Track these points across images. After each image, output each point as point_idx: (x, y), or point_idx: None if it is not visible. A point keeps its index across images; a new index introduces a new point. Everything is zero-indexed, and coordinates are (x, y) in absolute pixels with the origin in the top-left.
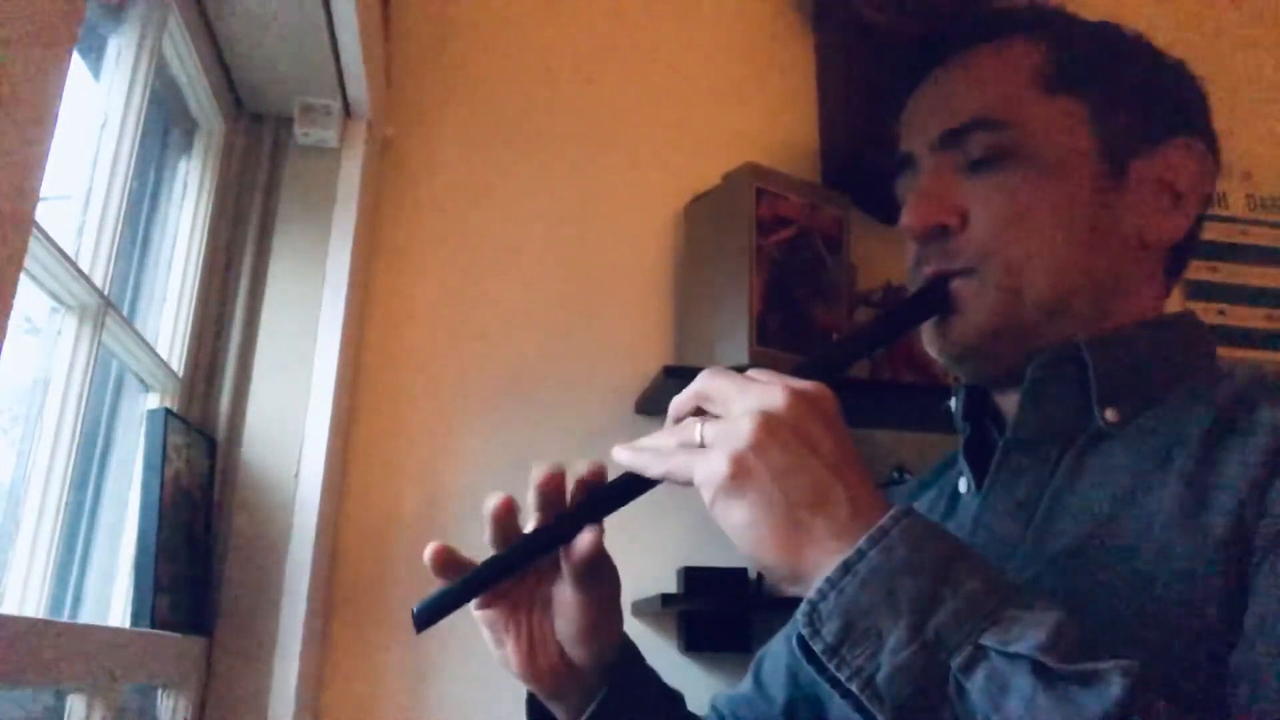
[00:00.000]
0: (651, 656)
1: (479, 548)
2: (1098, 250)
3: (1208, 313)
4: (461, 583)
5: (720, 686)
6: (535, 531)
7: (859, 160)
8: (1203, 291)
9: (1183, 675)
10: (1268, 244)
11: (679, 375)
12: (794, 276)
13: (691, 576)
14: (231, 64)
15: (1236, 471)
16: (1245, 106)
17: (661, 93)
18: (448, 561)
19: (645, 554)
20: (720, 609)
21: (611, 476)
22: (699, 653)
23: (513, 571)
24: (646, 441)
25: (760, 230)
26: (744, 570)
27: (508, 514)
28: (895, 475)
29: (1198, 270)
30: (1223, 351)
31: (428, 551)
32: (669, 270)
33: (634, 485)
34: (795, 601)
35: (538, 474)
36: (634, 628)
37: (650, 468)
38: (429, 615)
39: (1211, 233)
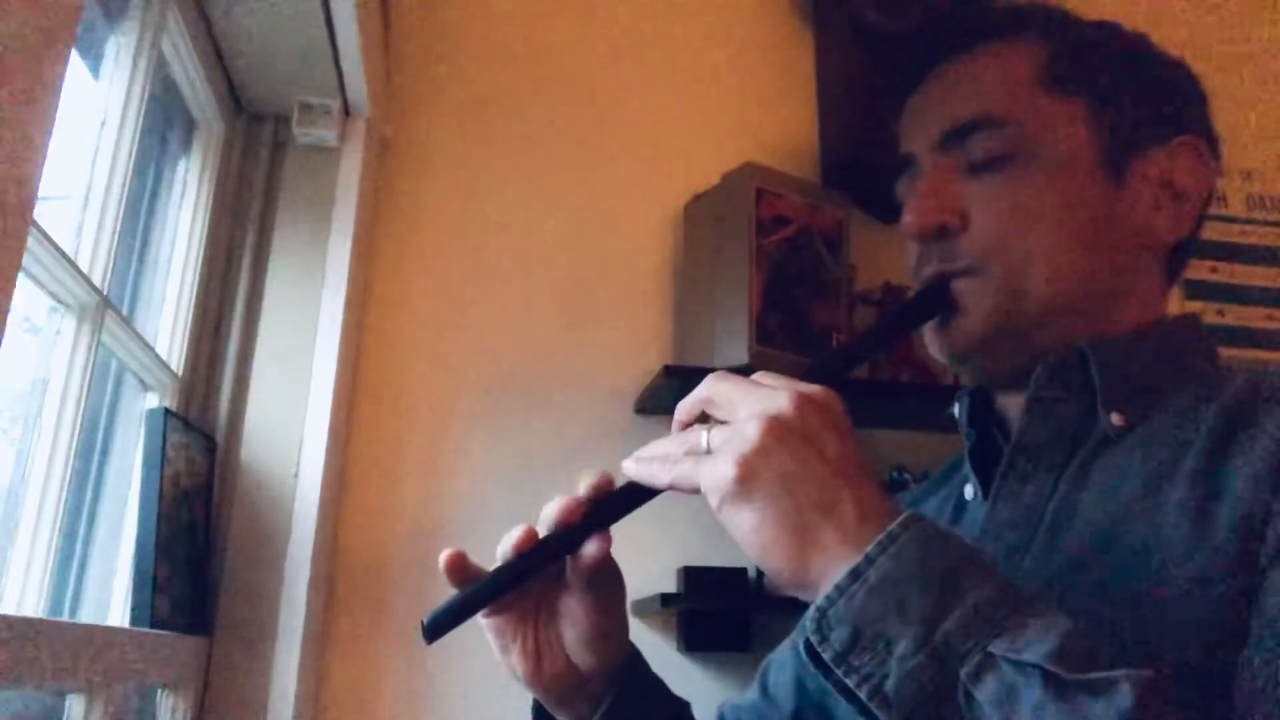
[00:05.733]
0: (651, 656)
1: (480, 548)
2: (1099, 250)
3: (1207, 313)
4: (472, 592)
5: (719, 687)
6: (544, 540)
7: (859, 160)
8: (1203, 291)
9: (1193, 682)
10: (1268, 244)
11: (679, 375)
12: (794, 276)
13: (691, 576)
14: (231, 64)
15: (1244, 475)
16: (1246, 105)
17: (661, 93)
18: (462, 568)
19: (645, 554)
20: (720, 609)
21: (617, 484)
22: (698, 652)
23: (523, 580)
24: (652, 450)
25: (760, 230)
26: (743, 570)
27: (461, 567)
28: (895, 475)
29: (1198, 270)
30: (1223, 351)
31: (442, 559)
32: (669, 270)
33: (640, 492)
34: (795, 601)
35: (513, 536)
36: (633, 628)
37: (658, 478)
38: (440, 626)
39: (1211, 233)
